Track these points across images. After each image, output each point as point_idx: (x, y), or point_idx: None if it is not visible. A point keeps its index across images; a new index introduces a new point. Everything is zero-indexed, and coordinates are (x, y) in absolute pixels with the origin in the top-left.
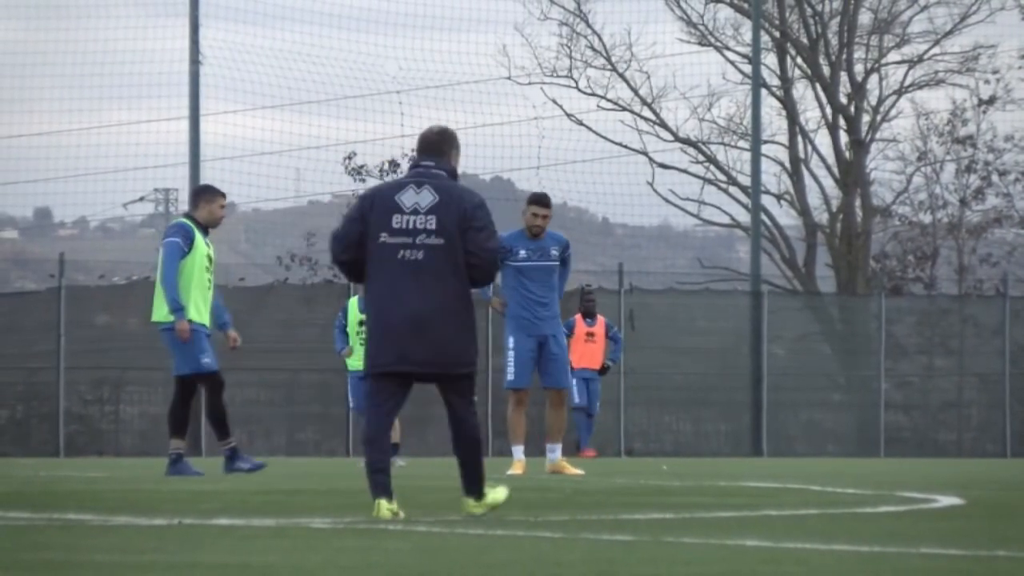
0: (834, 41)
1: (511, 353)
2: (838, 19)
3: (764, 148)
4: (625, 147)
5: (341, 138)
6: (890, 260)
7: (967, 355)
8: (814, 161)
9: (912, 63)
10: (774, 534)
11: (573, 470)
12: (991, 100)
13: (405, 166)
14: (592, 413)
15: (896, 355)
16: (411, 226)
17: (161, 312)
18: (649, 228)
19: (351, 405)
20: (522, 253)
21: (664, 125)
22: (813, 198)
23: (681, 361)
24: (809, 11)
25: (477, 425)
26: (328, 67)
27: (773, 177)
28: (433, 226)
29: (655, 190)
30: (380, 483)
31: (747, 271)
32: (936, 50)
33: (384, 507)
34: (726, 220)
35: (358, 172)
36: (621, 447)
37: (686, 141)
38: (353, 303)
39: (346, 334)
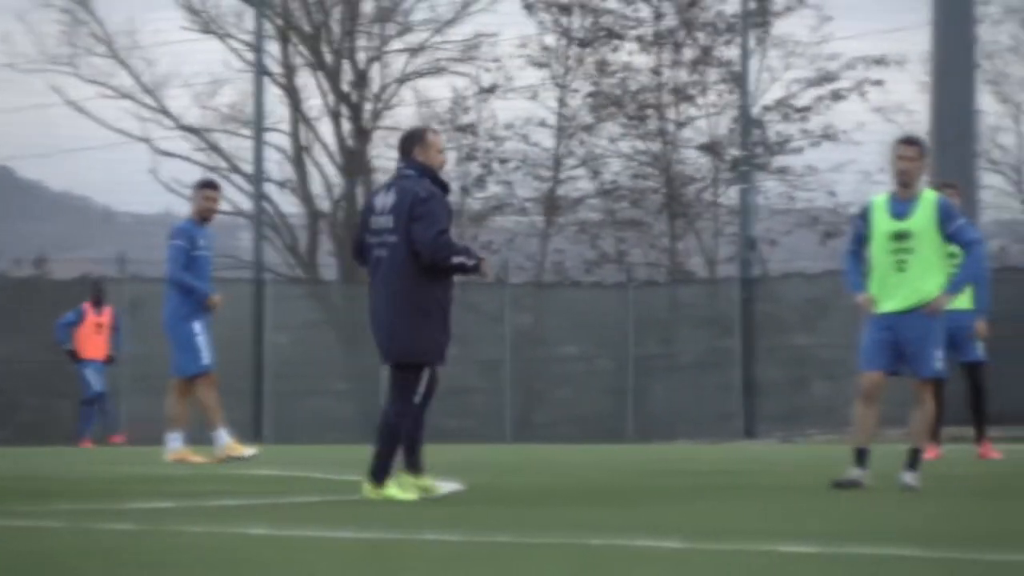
0: (337, 29)
1: (200, 339)
2: (341, 7)
3: (267, 136)
4: (126, 134)
5: None
6: None
7: (470, 342)
8: (317, 149)
9: (414, 51)
10: (279, 521)
11: (246, 449)
12: (492, 88)
13: None
14: (105, 404)
15: None
16: (379, 226)
17: None
18: (152, 216)
19: None
20: (201, 241)
21: (167, 113)
22: (316, 186)
23: None
24: None
25: (397, 413)
26: None
27: (276, 165)
28: (391, 224)
29: (157, 178)
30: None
31: (250, 259)
32: (438, 38)
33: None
34: (229, 208)
35: None
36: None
37: (189, 129)
38: None
39: None
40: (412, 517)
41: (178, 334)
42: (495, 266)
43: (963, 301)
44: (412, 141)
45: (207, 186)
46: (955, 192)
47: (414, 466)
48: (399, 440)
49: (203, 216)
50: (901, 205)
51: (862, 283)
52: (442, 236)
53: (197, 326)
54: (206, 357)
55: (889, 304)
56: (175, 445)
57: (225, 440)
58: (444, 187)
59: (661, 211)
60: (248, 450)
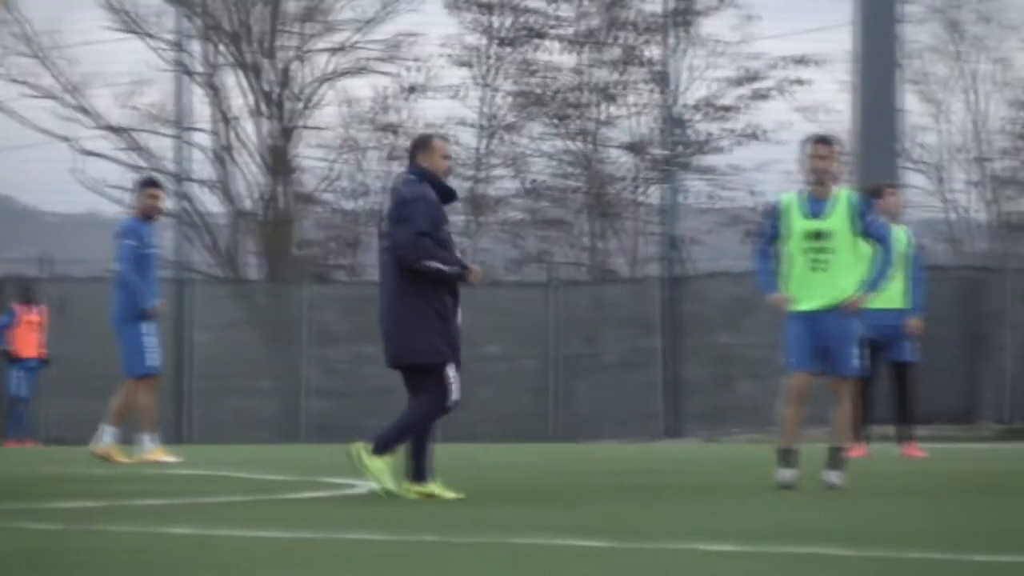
0: (259, 28)
1: (148, 339)
2: (263, 6)
3: (190, 135)
4: (50, 134)
5: None
6: (315, 247)
7: None
8: (240, 148)
9: (337, 51)
10: (203, 521)
11: (169, 457)
12: (415, 88)
13: None
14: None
15: (323, 342)
16: (385, 231)
17: None
18: (76, 216)
19: None
20: (148, 239)
21: (90, 112)
22: (239, 185)
23: (109, 348)
24: None
25: (415, 408)
26: None
27: (199, 164)
28: (388, 229)
29: (81, 178)
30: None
31: (173, 258)
32: (361, 38)
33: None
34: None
35: None
36: (47, 435)
37: (112, 128)
38: None
39: None
40: (337, 517)
41: (126, 334)
42: (483, 275)
43: (895, 300)
44: (417, 146)
45: (150, 184)
46: (893, 192)
47: (383, 450)
48: (398, 423)
49: (148, 215)
50: (817, 204)
51: (774, 282)
52: (419, 239)
53: (144, 327)
54: (151, 359)
55: (809, 303)
56: (107, 440)
57: (152, 446)
58: (446, 193)
59: (584, 210)
60: (171, 457)
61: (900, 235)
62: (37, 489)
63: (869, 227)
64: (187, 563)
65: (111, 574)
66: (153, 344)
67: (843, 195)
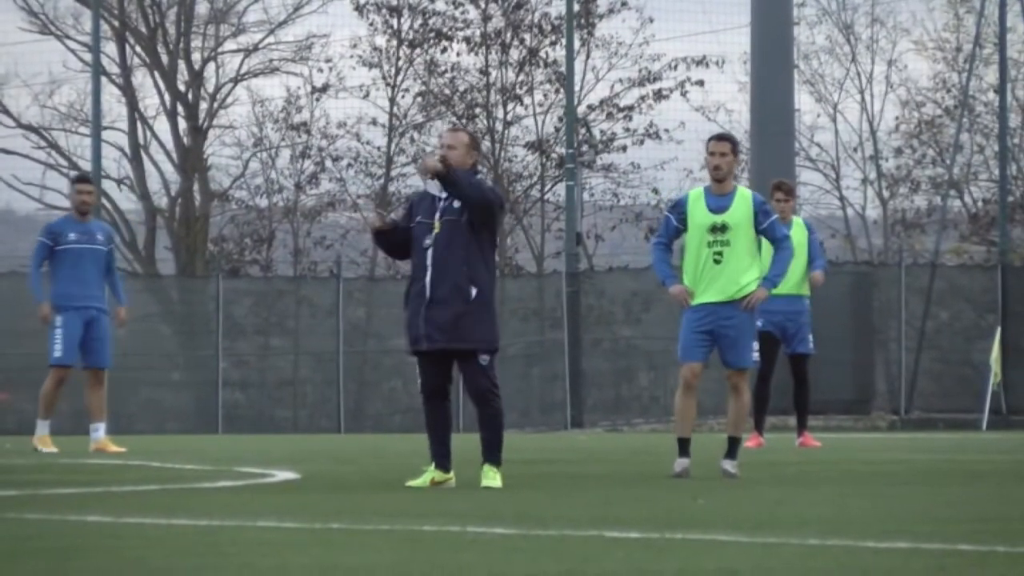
0: (173, 30)
1: (59, 331)
2: (176, 9)
3: (105, 134)
4: None
5: None
6: (228, 243)
7: (302, 334)
8: (154, 147)
9: (248, 52)
10: (116, 509)
11: (115, 447)
12: (324, 88)
13: None
14: None
15: (234, 335)
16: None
17: None
18: None
19: None
20: (72, 235)
21: (6, 111)
22: (153, 183)
23: (24, 342)
24: (148, 0)
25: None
26: None
27: (114, 162)
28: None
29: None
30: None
31: None
32: (271, 39)
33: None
34: (68, 204)
35: None
36: None
37: (28, 127)
38: None
39: None
40: (249, 505)
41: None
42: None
43: (798, 287)
44: None
45: (77, 180)
46: (785, 197)
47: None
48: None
49: (79, 210)
50: (718, 199)
51: (674, 274)
52: None
53: (59, 319)
54: (58, 351)
55: (706, 296)
56: (97, 435)
57: (41, 432)
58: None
59: None
60: (52, 448)
61: (798, 224)
62: None
63: (769, 227)
64: (101, 550)
65: (24, 562)
66: (63, 336)
67: (744, 192)
